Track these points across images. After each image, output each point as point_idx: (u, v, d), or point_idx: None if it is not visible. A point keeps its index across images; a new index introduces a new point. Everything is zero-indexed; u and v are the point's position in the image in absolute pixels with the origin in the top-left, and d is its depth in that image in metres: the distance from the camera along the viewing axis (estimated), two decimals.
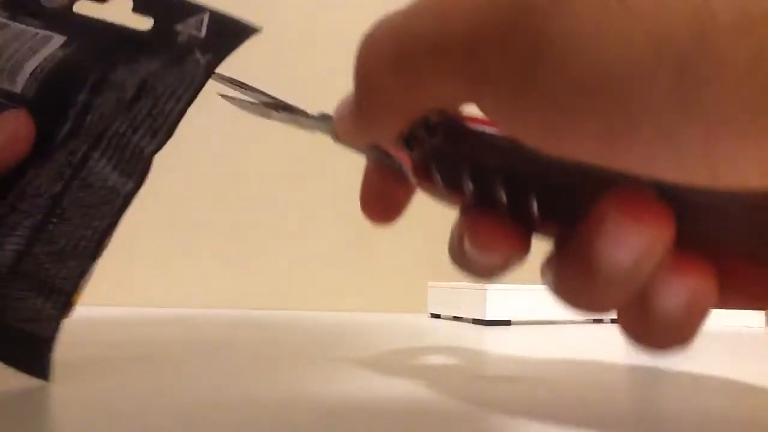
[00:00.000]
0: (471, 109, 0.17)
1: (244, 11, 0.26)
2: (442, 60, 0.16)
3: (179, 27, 0.25)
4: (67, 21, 0.26)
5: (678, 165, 0.14)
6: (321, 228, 0.81)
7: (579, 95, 0.13)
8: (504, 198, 0.18)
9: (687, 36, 0.12)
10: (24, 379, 0.24)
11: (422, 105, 0.17)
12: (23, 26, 0.26)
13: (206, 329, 0.51)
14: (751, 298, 0.17)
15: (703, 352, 0.47)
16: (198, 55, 0.24)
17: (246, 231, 0.80)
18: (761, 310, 0.19)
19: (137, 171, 0.23)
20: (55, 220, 0.23)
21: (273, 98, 0.25)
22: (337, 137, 0.22)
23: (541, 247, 0.19)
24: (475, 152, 0.18)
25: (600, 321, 0.69)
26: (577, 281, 0.17)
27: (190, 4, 0.26)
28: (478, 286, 0.63)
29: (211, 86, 0.25)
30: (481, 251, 0.18)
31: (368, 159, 0.24)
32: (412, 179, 0.20)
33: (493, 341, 0.49)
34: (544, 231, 0.18)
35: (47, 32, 0.26)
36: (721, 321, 0.72)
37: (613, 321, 0.71)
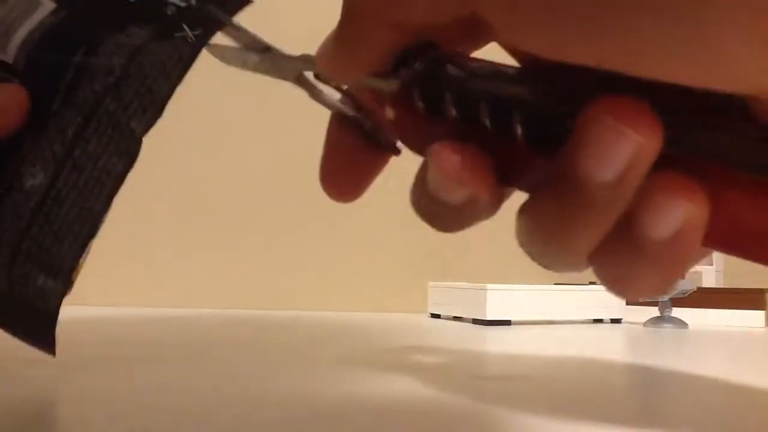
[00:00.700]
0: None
1: None
2: None
3: None
4: None
5: (687, 53, 0.13)
6: (321, 228, 0.81)
7: None
8: (488, 121, 0.17)
9: None
10: (24, 379, 0.24)
11: (411, 16, 0.17)
12: None
13: (206, 329, 0.51)
14: (744, 240, 0.16)
15: (703, 352, 0.47)
16: (187, 30, 0.24)
17: (246, 231, 0.80)
18: (754, 260, 0.17)
19: (128, 151, 0.23)
20: (50, 201, 0.23)
21: (254, 36, 0.24)
22: (319, 70, 0.21)
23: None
24: (459, 77, 0.18)
25: (600, 321, 0.69)
26: (557, 211, 0.16)
27: None
28: (479, 286, 0.63)
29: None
30: (449, 182, 0.17)
31: (339, 113, 0.23)
32: (389, 113, 0.19)
33: (493, 341, 0.49)
34: (524, 166, 0.17)
35: None
36: (721, 321, 0.72)
37: (613, 321, 0.71)
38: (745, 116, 0.15)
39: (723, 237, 0.16)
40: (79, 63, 0.24)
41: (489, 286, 0.62)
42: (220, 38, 0.24)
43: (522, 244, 0.18)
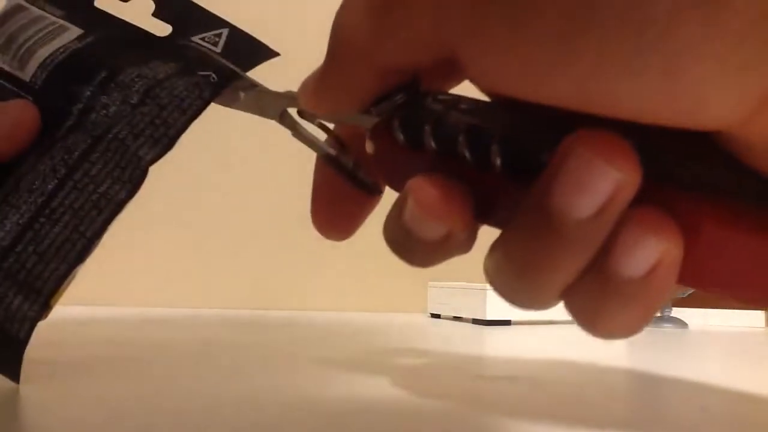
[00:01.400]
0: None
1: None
2: (415, 2, 0.16)
3: (196, 39, 0.25)
4: (87, 14, 0.26)
5: (639, 96, 0.13)
6: None
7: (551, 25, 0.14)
8: (467, 152, 0.17)
9: None
10: (23, 379, 0.24)
11: (394, 53, 0.17)
12: (42, 12, 0.26)
13: (206, 329, 0.51)
14: (720, 278, 0.15)
15: (702, 352, 0.47)
16: (210, 70, 0.24)
17: (246, 231, 0.80)
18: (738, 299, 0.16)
19: (132, 179, 0.23)
20: (42, 219, 0.22)
21: (240, 74, 0.24)
22: (301, 107, 0.21)
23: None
24: (439, 109, 0.18)
25: None
26: (531, 247, 0.16)
27: (212, 17, 0.26)
28: (478, 286, 0.63)
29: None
30: (427, 216, 0.17)
31: (321, 152, 0.23)
32: (369, 146, 0.19)
33: (493, 341, 0.49)
34: (500, 202, 0.18)
35: (65, 22, 0.26)
36: (721, 321, 0.72)
37: None
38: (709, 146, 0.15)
39: (698, 274, 0.15)
40: (97, 88, 0.24)
41: (489, 286, 0.62)
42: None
43: (492, 282, 0.17)
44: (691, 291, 0.17)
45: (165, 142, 0.23)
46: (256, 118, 0.24)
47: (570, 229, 0.15)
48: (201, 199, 0.79)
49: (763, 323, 0.72)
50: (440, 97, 0.18)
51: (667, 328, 0.65)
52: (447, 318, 0.69)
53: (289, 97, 0.23)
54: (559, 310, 0.17)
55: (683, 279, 0.15)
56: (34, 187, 0.22)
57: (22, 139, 0.23)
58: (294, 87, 0.23)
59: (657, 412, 0.24)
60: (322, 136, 0.23)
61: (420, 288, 0.74)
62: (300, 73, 0.20)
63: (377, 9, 0.17)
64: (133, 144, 0.23)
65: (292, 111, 0.23)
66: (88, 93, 0.24)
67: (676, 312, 0.68)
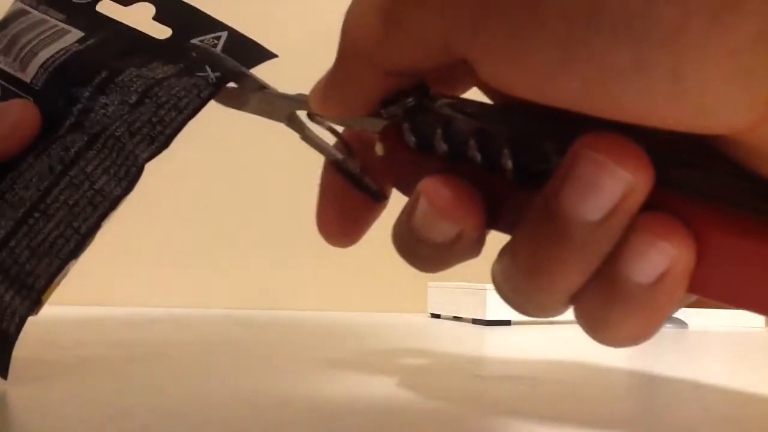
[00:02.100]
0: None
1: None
2: (426, 3, 0.16)
3: (196, 41, 0.26)
4: (88, 18, 0.26)
5: (649, 98, 0.13)
6: None
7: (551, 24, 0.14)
8: (478, 155, 0.17)
9: None
10: (23, 379, 0.24)
11: (403, 56, 0.17)
12: (44, 16, 0.26)
13: (206, 329, 0.51)
14: (731, 287, 0.15)
15: (703, 352, 0.47)
16: (209, 71, 0.24)
17: (246, 231, 0.80)
18: (739, 308, 0.16)
19: (127, 177, 0.23)
20: (37, 215, 0.22)
21: (253, 77, 0.24)
22: (311, 109, 0.21)
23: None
24: (450, 112, 0.18)
25: None
26: (541, 250, 0.15)
27: (211, 20, 0.26)
28: (478, 286, 0.63)
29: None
30: (439, 216, 0.17)
31: (328, 156, 0.23)
32: (379, 148, 0.19)
33: (493, 341, 0.49)
34: (509, 206, 0.17)
35: (66, 26, 0.26)
36: (721, 321, 0.72)
37: None
38: (715, 155, 0.15)
39: (704, 283, 0.15)
40: (96, 89, 0.24)
41: (489, 286, 0.62)
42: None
43: (500, 288, 0.17)
44: (694, 298, 0.16)
45: (161, 141, 0.23)
46: (261, 119, 0.24)
47: (580, 232, 0.15)
48: (201, 199, 0.79)
49: (763, 324, 0.72)
50: (448, 100, 0.18)
51: (667, 328, 0.65)
52: (447, 318, 0.69)
53: (298, 100, 0.23)
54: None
55: (694, 287, 0.15)
56: (31, 183, 0.23)
57: (22, 138, 0.23)
58: (294, 89, 0.23)
59: (657, 412, 0.24)
60: (330, 140, 0.23)
61: (420, 288, 0.74)
62: (299, 75, 0.20)
63: (386, 12, 0.17)
64: (129, 142, 0.23)
65: (301, 114, 0.24)
66: (88, 93, 0.24)
67: (676, 312, 0.68)
